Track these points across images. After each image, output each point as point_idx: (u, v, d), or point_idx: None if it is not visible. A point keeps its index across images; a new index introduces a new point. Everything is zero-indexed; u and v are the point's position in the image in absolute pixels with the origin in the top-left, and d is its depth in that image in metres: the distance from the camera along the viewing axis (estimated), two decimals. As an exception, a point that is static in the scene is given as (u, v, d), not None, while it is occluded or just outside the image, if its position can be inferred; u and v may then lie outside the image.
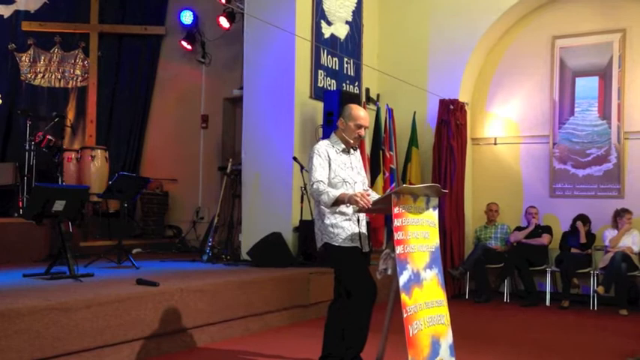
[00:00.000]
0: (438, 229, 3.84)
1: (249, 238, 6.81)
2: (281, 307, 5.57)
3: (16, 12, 9.13)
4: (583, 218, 7.27)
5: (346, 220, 3.78)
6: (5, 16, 9.11)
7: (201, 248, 7.67)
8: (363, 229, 3.89)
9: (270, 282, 5.52)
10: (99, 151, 8.14)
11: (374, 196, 3.90)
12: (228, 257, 6.85)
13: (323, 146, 3.84)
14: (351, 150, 3.96)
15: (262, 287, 5.40)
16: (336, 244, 3.76)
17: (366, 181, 4.10)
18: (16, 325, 3.48)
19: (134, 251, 7.56)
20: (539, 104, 7.93)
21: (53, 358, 3.65)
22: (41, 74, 9.20)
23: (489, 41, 8.10)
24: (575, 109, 7.73)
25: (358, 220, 3.85)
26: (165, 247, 8.41)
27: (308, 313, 5.83)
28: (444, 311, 3.69)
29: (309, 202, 6.50)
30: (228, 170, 7.36)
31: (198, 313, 4.70)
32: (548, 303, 7.17)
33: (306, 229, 6.50)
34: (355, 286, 3.73)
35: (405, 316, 3.33)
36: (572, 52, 7.75)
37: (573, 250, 7.23)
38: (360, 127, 3.83)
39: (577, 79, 7.73)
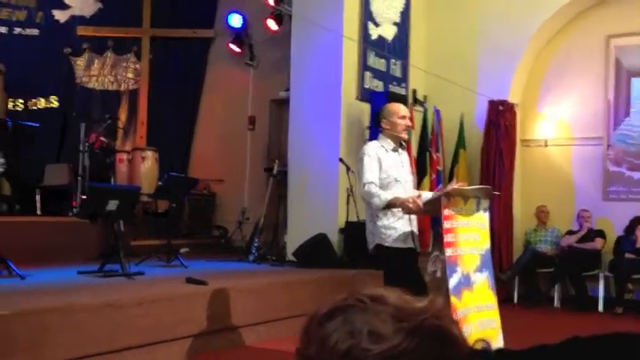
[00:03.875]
0: (488, 231, 3.78)
1: (294, 239, 6.84)
2: (327, 309, 5.56)
3: (72, 17, 9.43)
4: None
5: (399, 219, 3.77)
6: (61, 22, 9.42)
7: (247, 248, 7.74)
8: (415, 229, 3.89)
9: (315, 283, 5.53)
10: (149, 152, 8.31)
11: (425, 195, 3.88)
12: (274, 258, 6.89)
13: (373, 147, 3.84)
14: (400, 149, 3.96)
15: (308, 288, 5.42)
16: (390, 245, 3.75)
17: (413, 182, 4.09)
18: (71, 321, 3.58)
19: (182, 250, 7.68)
20: (593, 105, 7.71)
21: (107, 354, 3.74)
22: (95, 77, 9.47)
23: (540, 41, 7.92)
24: (631, 110, 7.49)
25: (410, 219, 3.84)
26: (211, 246, 8.52)
27: (354, 315, 5.81)
28: (494, 315, 3.63)
29: (355, 203, 6.48)
30: (274, 171, 7.41)
31: (245, 312, 4.75)
32: (601, 309, 6.96)
33: (351, 230, 6.49)
34: (406, 289, 3.69)
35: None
36: (629, 52, 7.51)
37: (628, 255, 6.99)
38: (403, 117, 3.86)
39: (633, 80, 7.48)
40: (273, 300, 5.02)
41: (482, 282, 3.60)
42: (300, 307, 5.26)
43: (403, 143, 4.00)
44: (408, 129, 3.96)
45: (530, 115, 8.12)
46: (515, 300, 7.39)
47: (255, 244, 7.00)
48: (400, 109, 3.89)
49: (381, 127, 3.93)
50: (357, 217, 6.42)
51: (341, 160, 6.64)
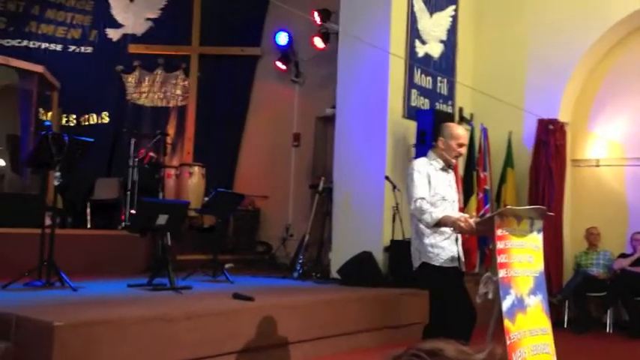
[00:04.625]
0: (542, 253, 3.69)
1: (339, 256, 6.81)
2: (371, 328, 5.52)
3: (124, 35, 9.71)
4: None
5: (446, 239, 3.73)
6: (114, 40, 9.71)
7: (291, 265, 7.74)
8: (461, 248, 3.84)
9: (360, 301, 5.49)
10: (196, 167, 8.44)
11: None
12: (318, 275, 6.88)
13: (422, 164, 3.81)
14: (448, 169, 3.92)
15: (353, 306, 5.38)
16: (437, 264, 3.70)
17: (460, 201, 4.04)
18: (123, 333, 3.64)
19: (227, 266, 7.74)
20: (647, 124, 7.48)
21: (156, 367, 3.79)
22: (145, 94, 9.71)
23: (592, 59, 7.75)
24: (688, 130, 7.23)
25: (456, 239, 3.79)
26: (255, 262, 8.56)
27: (399, 335, 5.72)
28: (548, 340, 3.53)
29: (401, 221, 6.43)
30: (320, 188, 7.42)
31: (290, 329, 4.73)
32: (656, 336, 6.68)
33: (397, 249, 6.43)
34: (454, 311, 3.64)
35: (508, 343, 3.21)
36: (685, 70, 7.28)
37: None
38: (461, 145, 3.81)
39: (690, 98, 7.24)
40: (318, 318, 4.99)
41: (537, 305, 3.51)
42: (345, 326, 5.23)
43: (451, 163, 3.96)
44: (459, 156, 3.93)
45: (581, 134, 7.92)
46: (566, 324, 7.16)
47: (300, 261, 7.00)
48: (462, 136, 3.84)
49: (435, 143, 3.89)
50: (403, 235, 6.37)
51: (387, 177, 6.60)
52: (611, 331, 6.94)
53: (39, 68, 7.71)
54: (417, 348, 0.81)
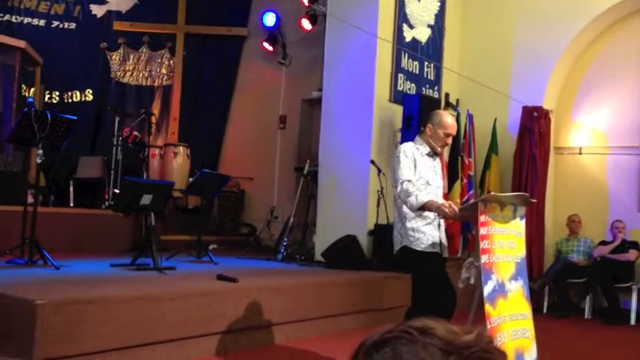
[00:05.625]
0: (524, 239, 3.73)
1: (323, 239, 6.83)
2: (355, 311, 5.56)
3: (109, 12, 9.57)
4: None
5: (427, 224, 3.75)
6: (98, 16, 9.56)
7: (275, 247, 7.76)
8: (443, 234, 3.86)
9: (344, 284, 5.52)
10: (181, 147, 8.39)
11: None
12: (302, 257, 6.90)
13: (409, 147, 3.82)
14: (434, 155, 3.94)
15: (337, 289, 5.41)
16: (417, 249, 3.73)
17: (444, 187, 4.06)
18: (107, 313, 3.63)
19: (211, 247, 7.74)
20: (630, 113, 7.56)
21: (139, 347, 3.78)
22: (130, 72, 9.60)
23: (578, 47, 7.79)
24: (670, 120, 7.32)
25: (439, 225, 3.82)
26: (239, 244, 8.57)
27: (382, 318, 5.78)
28: (528, 325, 3.58)
29: (386, 206, 6.46)
30: (305, 171, 7.42)
31: (274, 311, 4.76)
32: (633, 322, 6.82)
33: (381, 233, 6.47)
34: (434, 294, 3.68)
35: (488, 327, 3.26)
36: (669, 60, 7.35)
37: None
38: (448, 135, 3.82)
39: (673, 89, 7.32)
40: (302, 300, 5.02)
41: (517, 290, 3.56)
42: (329, 308, 5.27)
43: (437, 151, 3.97)
44: (445, 146, 3.94)
45: (565, 122, 7.99)
46: (545, 310, 7.28)
47: (284, 243, 7.02)
48: (450, 125, 3.82)
49: (423, 129, 3.90)
50: (387, 219, 6.40)
51: (372, 161, 6.61)
52: (589, 317, 7.07)
53: (21, 43, 7.58)
54: (408, 325, 0.83)
